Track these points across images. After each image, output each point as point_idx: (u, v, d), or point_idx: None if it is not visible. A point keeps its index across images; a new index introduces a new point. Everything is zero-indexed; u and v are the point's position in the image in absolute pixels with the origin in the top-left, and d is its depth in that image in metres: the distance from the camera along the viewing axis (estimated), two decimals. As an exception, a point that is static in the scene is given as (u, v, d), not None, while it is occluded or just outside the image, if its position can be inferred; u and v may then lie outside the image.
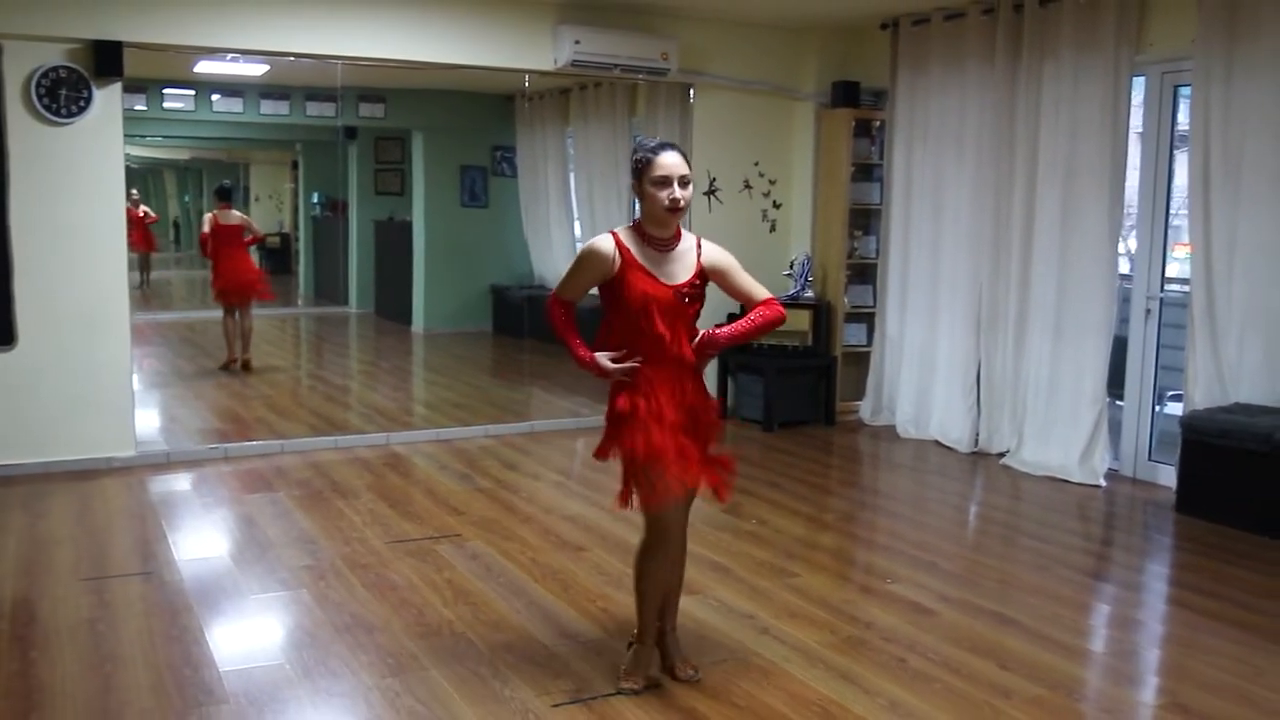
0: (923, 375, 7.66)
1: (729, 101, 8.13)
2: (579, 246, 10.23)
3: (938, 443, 7.48)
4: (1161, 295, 6.55)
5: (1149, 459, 6.60)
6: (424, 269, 10.43)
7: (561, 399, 8.89)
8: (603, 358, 3.55)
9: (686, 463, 3.54)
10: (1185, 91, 6.30)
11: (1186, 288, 6.29)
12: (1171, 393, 6.74)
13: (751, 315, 3.67)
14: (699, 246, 3.60)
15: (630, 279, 3.47)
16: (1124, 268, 6.79)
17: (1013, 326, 7.00)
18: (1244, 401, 5.90)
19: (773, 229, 8.43)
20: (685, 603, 4.44)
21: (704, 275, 3.58)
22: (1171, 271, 6.69)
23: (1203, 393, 6.02)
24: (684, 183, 3.44)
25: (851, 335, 8.27)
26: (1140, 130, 6.63)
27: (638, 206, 3.55)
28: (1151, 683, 4.00)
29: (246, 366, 9.30)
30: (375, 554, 5.01)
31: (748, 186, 8.29)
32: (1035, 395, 6.85)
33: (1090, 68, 6.48)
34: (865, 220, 8.27)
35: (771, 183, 8.37)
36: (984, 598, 4.66)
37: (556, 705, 3.53)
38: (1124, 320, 6.68)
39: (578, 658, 3.92)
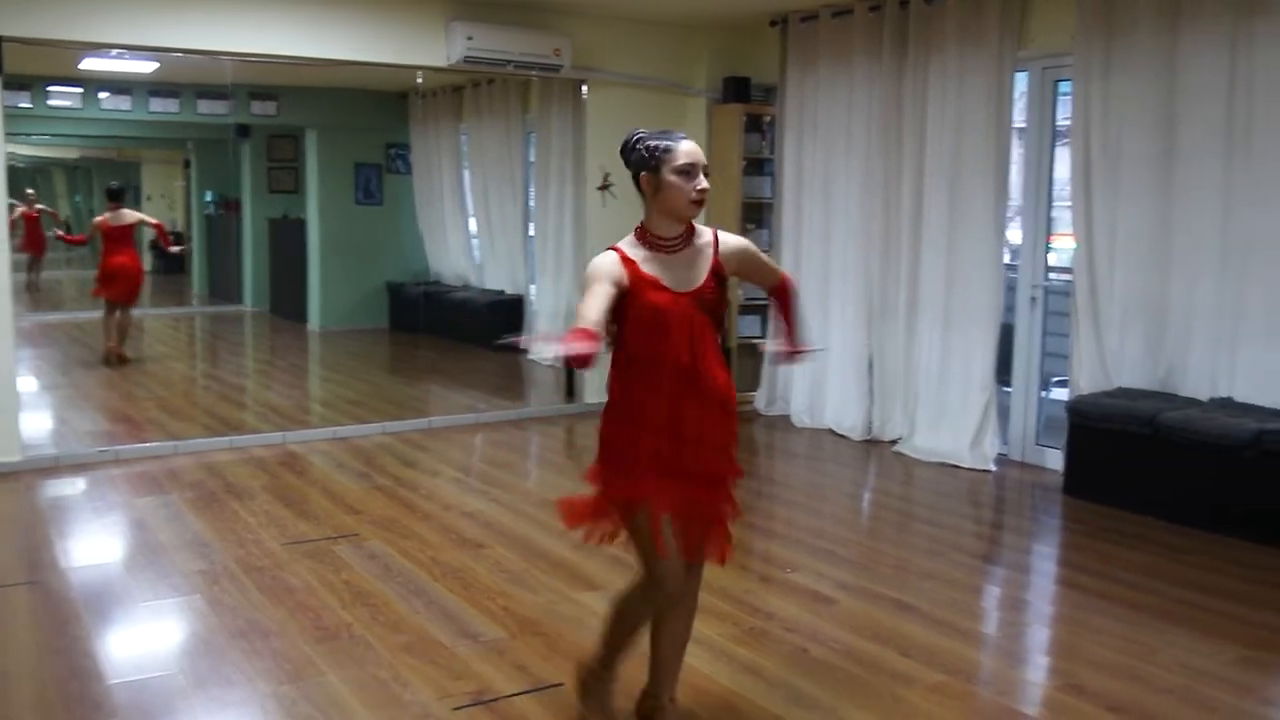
0: (816, 365, 7.75)
1: (622, 98, 8.14)
2: (475, 243, 10.38)
3: (832, 432, 7.59)
4: (1046, 284, 6.73)
5: (1037, 443, 6.78)
6: (319, 267, 10.28)
7: (459, 394, 8.85)
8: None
9: (691, 515, 3.16)
10: (1066, 86, 6.46)
11: (1069, 276, 6.47)
12: (1057, 378, 6.93)
13: (788, 302, 3.38)
14: (716, 240, 3.20)
15: (638, 292, 3.06)
16: (1010, 258, 6.95)
17: (903, 316, 7.13)
18: (1126, 386, 6.09)
19: (667, 223, 8.46)
20: (588, 598, 4.48)
21: (721, 272, 3.17)
22: (1055, 261, 6.87)
23: (1087, 378, 6.20)
24: (707, 172, 3.11)
25: (746, 327, 8.34)
26: (1023, 124, 6.80)
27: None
28: (1046, 664, 4.11)
29: (123, 359, 9.10)
30: (271, 556, 4.92)
31: (641, 181, 8.31)
32: (926, 383, 6.99)
33: (974, 63, 6.62)
34: (758, 213, 8.35)
35: (666, 177, 8.40)
36: (882, 585, 4.74)
37: (458, 708, 3.50)
38: (1010, 309, 6.85)
39: (479, 658, 3.90)
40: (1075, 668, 3.94)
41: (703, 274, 3.13)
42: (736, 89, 8.14)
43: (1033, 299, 6.71)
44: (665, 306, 3.06)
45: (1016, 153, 6.75)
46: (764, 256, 3.39)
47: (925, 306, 6.98)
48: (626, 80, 8.10)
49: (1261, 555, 5.08)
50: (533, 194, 9.60)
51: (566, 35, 7.60)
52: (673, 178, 3.06)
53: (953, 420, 6.82)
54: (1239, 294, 5.62)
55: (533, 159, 9.55)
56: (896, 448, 7.10)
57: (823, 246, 7.70)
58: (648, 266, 3.09)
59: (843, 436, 7.48)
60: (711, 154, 8.26)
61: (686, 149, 3.08)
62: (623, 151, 3.19)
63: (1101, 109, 6.06)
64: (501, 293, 9.87)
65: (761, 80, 8.20)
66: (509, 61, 7.46)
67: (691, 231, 3.17)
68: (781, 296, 3.38)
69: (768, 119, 8.24)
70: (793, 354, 3.45)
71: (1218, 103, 5.61)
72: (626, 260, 3.09)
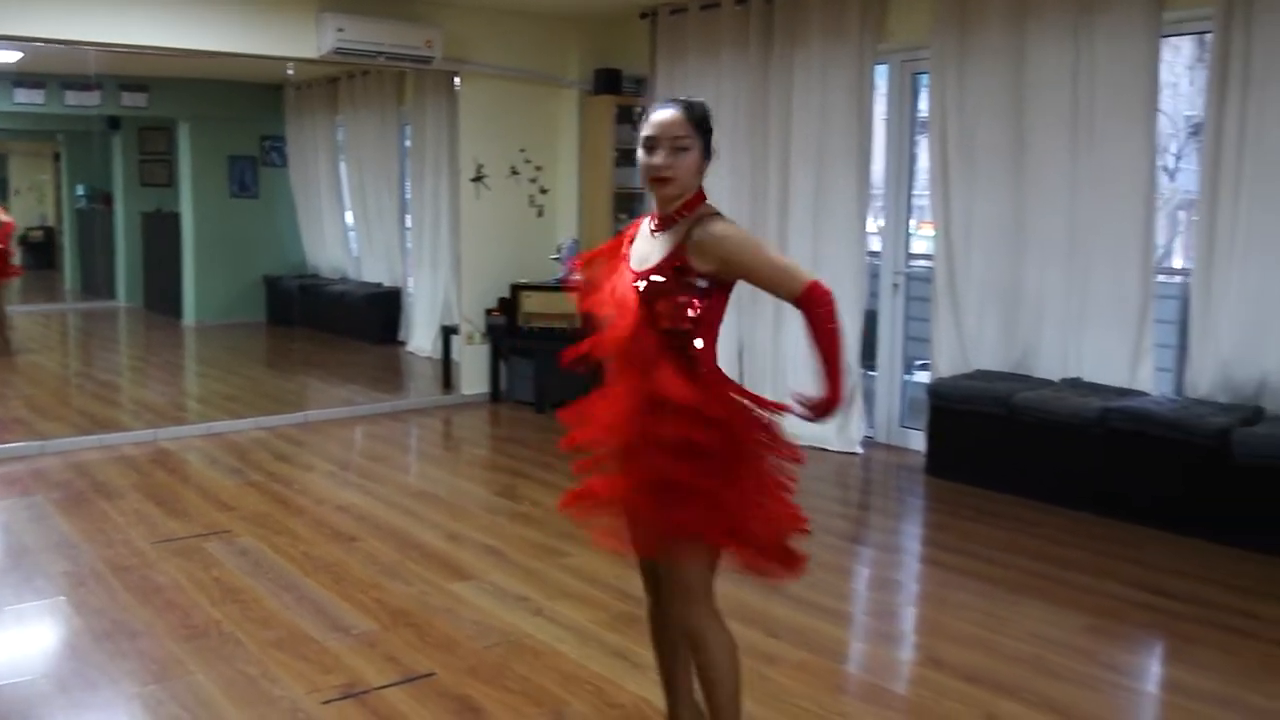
0: (690, 353, 7.89)
1: (494, 89, 8.15)
2: (352, 236, 10.28)
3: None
4: (907, 271, 6.95)
5: (901, 425, 7.01)
6: (194, 261, 10.08)
7: (336, 388, 8.79)
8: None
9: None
10: (925, 79, 6.68)
11: (930, 263, 6.69)
12: (919, 362, 7.16)
13: (813, 325, 2.71)
14: (703, 224, 2.70)
15: (615, 264, 2.83)
16: (874, 245, 7.15)
17: (771, 303, 7.28)
18: (984, 368, 6.32)
19: (540, 214, 8.52)
20: (460, 588, 4.53)
21: (683, 261, 2.68)
22: (916, 248, 7.09)
23: (947, 361, 6.43)
24: (677, 147, 2.66)
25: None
26: (885, 116, 7.00)
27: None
28: (908, 640, 4.27)
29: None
30: (139, 555, 4.87)
31: (515, 173, 8.34)
32: (794, 369, 7.15)
33: (837, 56, 6.80)
34: (630, 204, 8.42)
35: (538, 169, 8.45)
36: (748, 567, 4.87)
37: (327, 701, 3.52)
38: (874, 295, 7.06)
39: (350, 651, 3.92)
40: (934, 642, 4.11)
41: (659, 256, 2.73)
42: (608, 80, 8.21)
43: (895, 285, 6.93)
44: (614, 282, 2.78)
45: (881, 143, 6.95)
46: (766, 256, 2.74)
47: (793, 294, 7.14)
48: (498, 72, 8.12)
49: (1108, 529, 5.34)
50: (409, 186, 9.57)
51: (438, 27, 7.59)
52: (639, 152, 2.73)
53: (822, 404, 6.98)
54: (1085, 278, 5.89)
55: (409, 150, 9.52)
56: (769, 432, 7.25)
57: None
58: (639, 239, 2.81)
59: (717, 422, 7.61)
60: (583, 145, 8.35)
61: (653, 118, 2.69)
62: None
63: (957, 101, 6.28)
64: (379, 285, 9.82)
65: (633, 72, 8.29)
66: (380, 53, 7.43)
67: (685, 211, 2.73)
68: (806, 315, 2.71)
69: (639, 110, 8.30)
70: (821, 407, 2.74)
71: (1063, 94, 5.86)
72: (633, 228, 2.86)
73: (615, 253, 2.85)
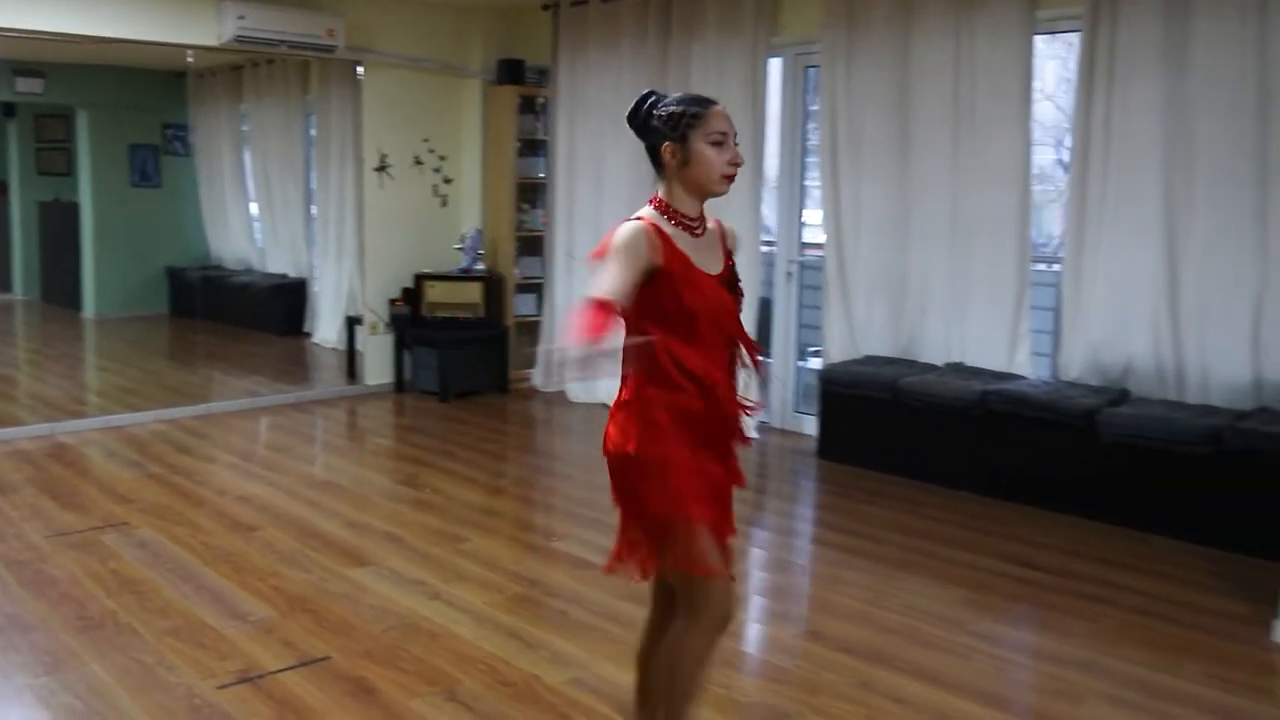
0: (588, 342, 8.01)
1: (398, 79, 8.19)
2: (256, 227, 10.25)
3: (605, 406, 7.80)
4: (800, 259, 7.15)
5: (795, 411, 7.21)
6: (93, 252, 9.96)
7: (240, 380, 8.76)
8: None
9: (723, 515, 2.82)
10: (816, 73, 6.86)
11: (821, 252, 6.88)
12: (812, 349, 7.36)
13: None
14: (720, 226, 2.85)
15: (677, 273, 2.64)
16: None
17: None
18: (873, 354, 6.54)
19: (444, 204, 8.57)
20: (359, 574, 4.62)
21: (732, 260, 2.84)
22: (809, 237, 7.29)
23: (838, 348, 6.63)
24: (737, 141, 2.74)
25: (523, 305, 8.53)
26: (779, 108, 7.18)
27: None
28: (794, 616, 4.44)
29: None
30: (33, 549, 4.86)
31: (418, 163, 8.38)
32: (693, 357, 7.31)
33: (732, 49, 6.96)
34: (533, 194, 8.53)
35: (442, 159, 8.50)
36: (641, 548, 5.01)
37: (223, 686, 3.59)
38: (769, 283, 7.24)
39: (247, 638, 3.98)
40: (819, 617, 4.30)
41: (719, 260, 2.78)
42: (511, 71, 8.29)
43: (789, 274, 7.13)
44: (705, 289, 2.69)
45: (776, 134, 7.13)
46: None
47: (691, 283, 7.30)
48: (401, 61, 8.15)
49: (987, 507, 5.58)
50: (314, 176, 9.55)
51: (340, 15, 7.60)
52: (704, 148, 2.67)
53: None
54: (966, 266, 6.12)
55: (314, 140, 9.50)
56: (667, 418, 7.40)
57: (594, 225, 7.94)
58: (680, 244, 2.69)
59: (617, 409, 7.75)
60: (486, 135, 8.42)
61: (720, 115, 2.69)
62: (634, 117, 2.77)
63: (845, 94, 6.47)
64: (285, 276, 9.79)
65: (535, 62, 8.37)
66: (282, 41, 7.43)
67: (702, 214, 2.78)
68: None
69: (541, 101, 8.42)
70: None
71: (945, 88, 6.08)
72: (660, 233, 2.67)
73: (673, 251, 2.67)
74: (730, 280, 2.76)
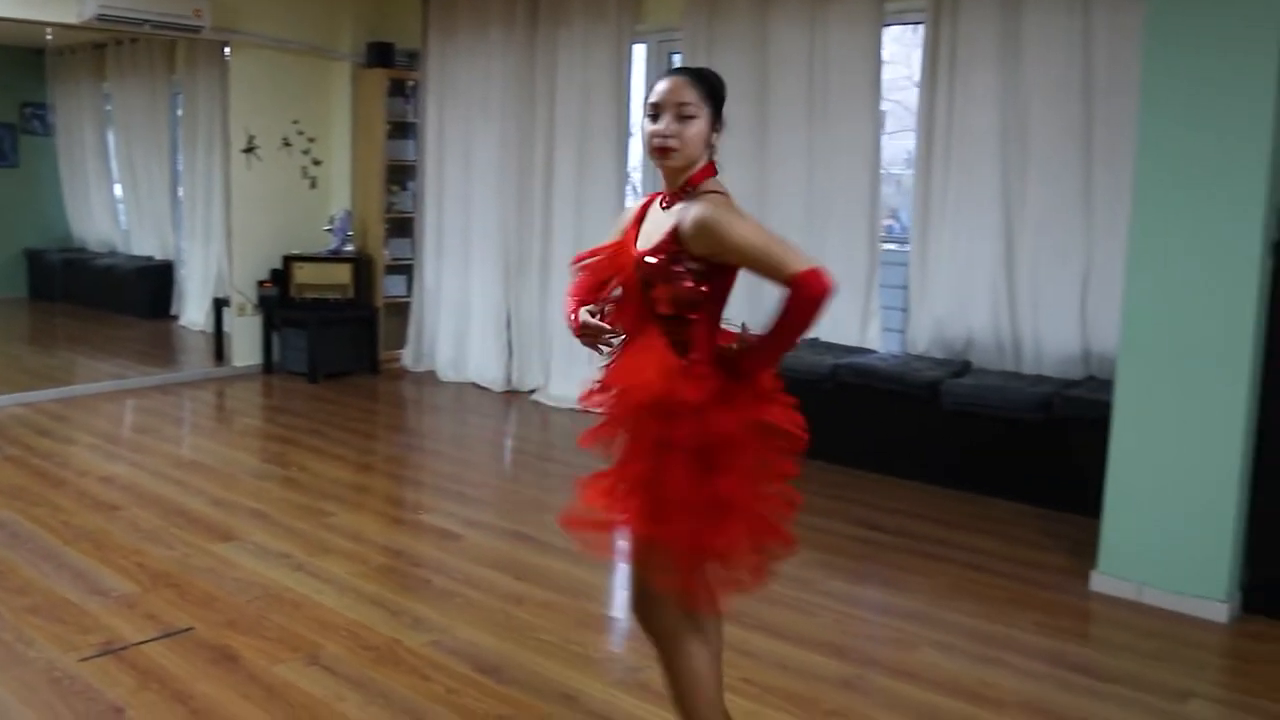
0: (459, 322, 8.12)
1: (266, 60, 8.14)
2: (121, 208, 10.06)
3: (475, 385, 7.96)
4: (665, 241, 7.33)
5: (661, 387, 7.39)
6: (-54, 234, 9.69)
7: (103, 363, 8.62)
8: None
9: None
10: (679, 60, 7.04)
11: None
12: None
13: (786, 309, 2.42)
14: (697, 202, 2.49)
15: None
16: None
17: (537, 272, 7.58)
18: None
19: (313, 185, 8.55)
20: (223, 549, 4.66)
21: (677, 242, 2.48)
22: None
23: (700, 326, 6.83)
24: (683, 115, 2.48)
25: (392, 287, 8.57)
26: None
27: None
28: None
29: None
30: (-114, 534, 4.81)
31: (287, 144, 8.35)
32: (558, 335, 7.46)
33: (598, 36, 7.10)
34: (402, 176, 8.57)
35: (311, 140, 8.48)
36: (506, 520, 5.16)
37: (85, 659, 3.61)
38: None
39: (109, 612, 4.00)
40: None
41: (657, 238, 2.53)
42: (380, 54, 8.30)
43: (654, 254, 7.31)
44: (619, 259, 2.60)
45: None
46: (753, 238, 2.44)
47: (556, 263, 7.45)
48: (269, 43, 8.10)
49: (839, 475, 5.83)
50: (181, 157, 9.42)
51: (207, -4, 7.54)
52: (645, 121, 2.55)
53: (582, 369, 7.31)
54: (821, 246, 6.36)
55: (181, 120, 9.36)
56: (534, 397, 7.55)
57: (464, 207, 8.03)
58: (646, 222, 2.61)
59: (485, 389, 7.86)
60: (356, 118, 8.42)
61: (660, 86, 2.52)
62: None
63: (706, 80, 6.66)
64: (150, 259, 9.63)
65: (406, 46, 8.40)
66: (146, 20, 7.33)
67: (690, 186, 2.54)
68: (789, 297, 2.41)
69: (411, 84, 8.45)
70: (740, 366, 2.54)
71: (800, 76, 6.30)
72: (645, 205, 2.66)
73: (630, 229, 2.62)
74: (646, 268, 2.51)
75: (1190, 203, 4.00)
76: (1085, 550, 4.48)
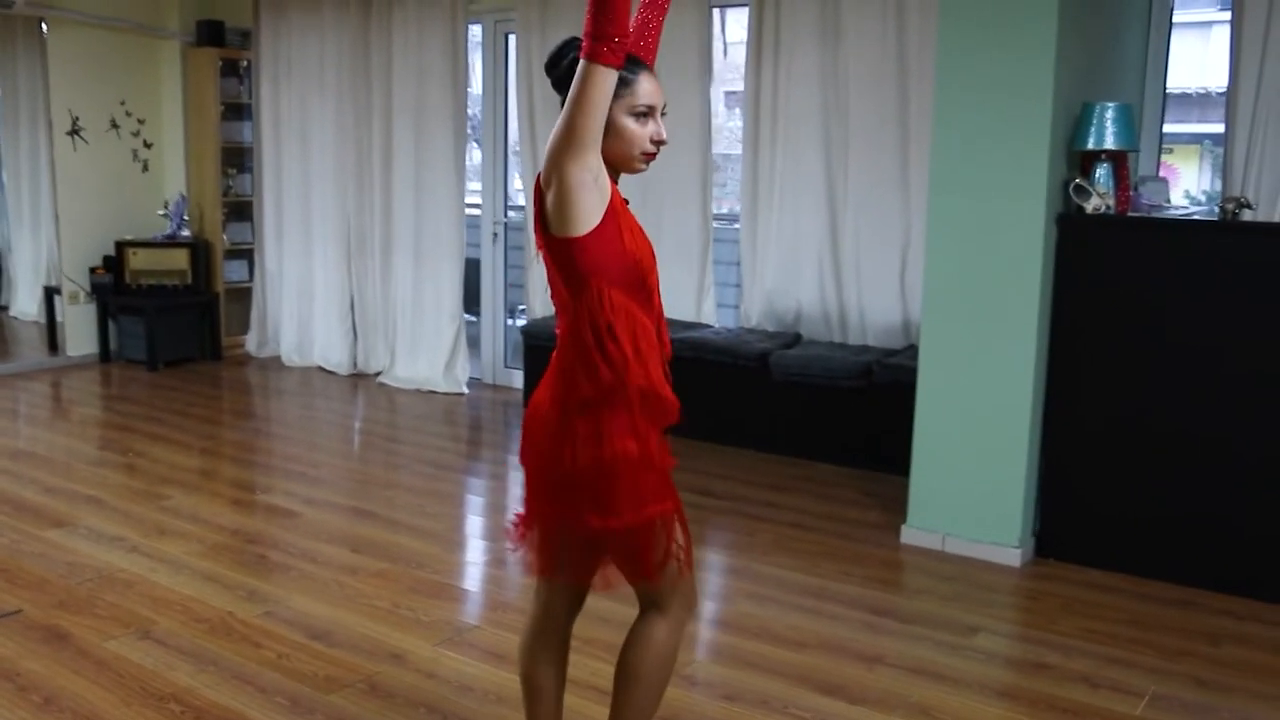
0: (302, 306, 8.10)
1: (89, 38, 7.94)
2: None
3: (321, 368, 7.96)
4: (506, 220, 7.45)
5: (505, 366, 7.53)
6: None
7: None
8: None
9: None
10: (514, 40, 7.15)
11: (523, 214, 7.20)
12: (520, 307, 7.67)
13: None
14: None
15: (626, 224, 2.34)
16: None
17: (379, 254, 7.61)
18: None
19: (145, 169, 8.39)
20: (53, 535, 4.63)
21: None
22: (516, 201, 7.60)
23: (540, 304, 6.97)
24: (664, 112, 2.39)
25: (233, 272, 8.48)
26: (481, 73, 7.43)
27: None
28: (484, 547, 4.76)
29: None
30: None
31: (115, 126, 8.17)
32: (403, 316, 7.52)
33: (432, 16, 7.15)
34: (239, 158, 8.47)
35: (140, 122, 8.32)
36: (344, 497, 5.22)
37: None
38: (476, 246, 7.51)
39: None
40: (503, 546, 4.60)
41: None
42: (211, 32, 8.18)
43: (495, 235, 7.42)
44: (648, 250, 2.40)
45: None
46: None
47: (398, 244, 7.50)
48: (90, 20, 7.89)
49: (676, 445, 5.98)
50: (3, 140, 9.14)
51: (21, -29, 7.35)
52: (628, 121, 2.30)
53: (428, 350, 7.41)
54: (658, 225, 6.53)
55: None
56: (380, 379, 7.59)
57: (303, 189, 8.00)
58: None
59: (331, 372, 7.87)
60: (187, 99, 8.30)
61: (646, 86, 2.31)
62: (553, 68, 2.41)
63: (539, 59, 6.78)
64: (-22, 247, 9.35)
65: (237, 25, 8.29)
66: (-56, -6, 7.12)
67: None
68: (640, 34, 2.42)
69: (245, 63, 8.36)
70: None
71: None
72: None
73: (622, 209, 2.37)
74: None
75: (980, 179, 4.29)
76: (899, 507, 4.76)
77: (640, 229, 2.38)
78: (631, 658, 2.51)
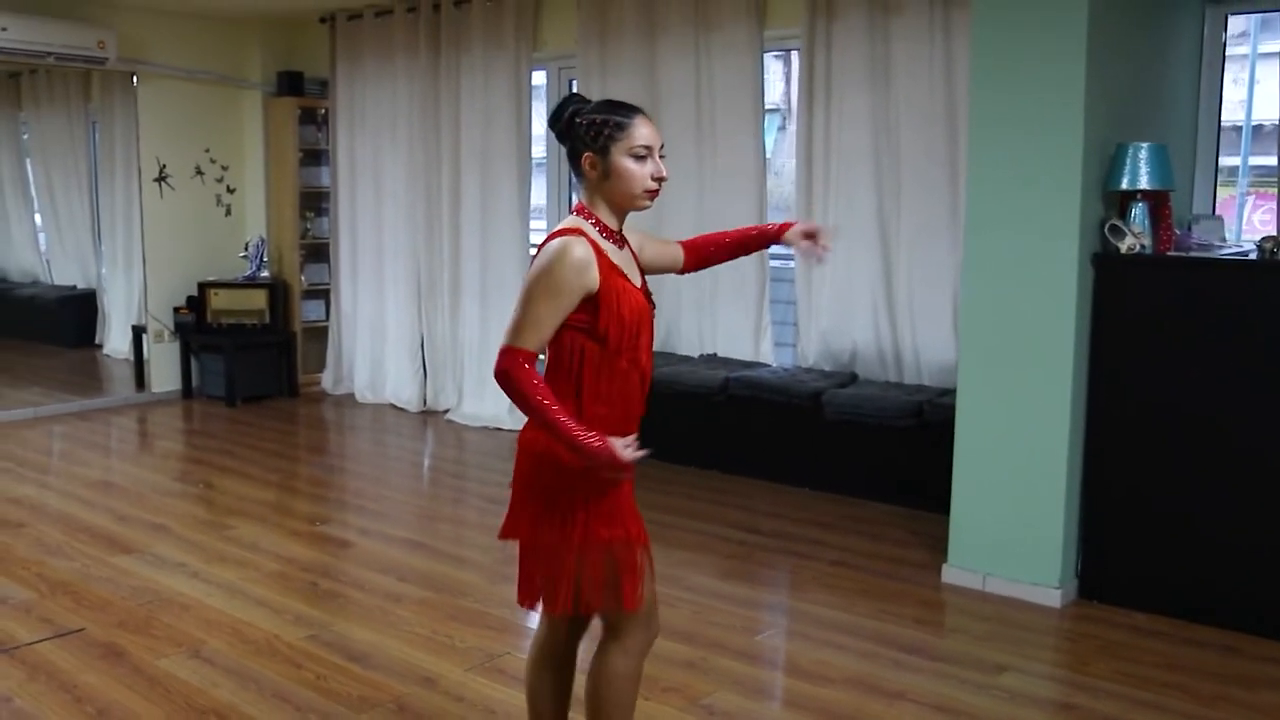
0: (375, 344, 8.33)
1: (175, 90, 8.32)
2: (42, 238, 10.20)
3: (393, 405, 8.16)
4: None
5: (567, 404, 7.64)
6: None
7: (20, 391, 8.69)
8: (617, 444, 2.47)
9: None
10: (576, 84, 7.32)
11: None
12: (582, 346, 7.78)
13: (731, 235, 3.06)
14: (634, 240, 2.71)
15: (619, 288, 2.49)
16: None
17: (447, 295, 7.81)
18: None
19: (228, 213, 8.74)
20: (120, 560, 4.84)
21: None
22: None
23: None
24: (663, 153, 2.59)
25: (310, 311, 8.75)
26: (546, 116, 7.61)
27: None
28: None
29: None
30: None
31: (200, 173, 8.53)
32: (470, 355, 7.69)
33: (497, 62, 7.37)
34: (316, 202, 8.75)
35: (224, 169, 8.66)
36: (401, 529, 5.37)
37: (-24, 659, 3.82)
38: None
39: (4, 617, 4.18)
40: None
41: (638, 272, 2.67)
42: (290, 83, 8.51)
43: (558, 275, 7.56)
44: (640, 305, 2.55)
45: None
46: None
47: (465, 285, 7.68)
48: (177, 73, 8.28)
49: (728, 483, 6.09)
50: (100, 185, 9.56)
51: (110, 28, 7.69)
52: (627, 162, 2.49)
53: (494, 388, 7.47)
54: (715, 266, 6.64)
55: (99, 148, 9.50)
56: (448, 416, 7.76)
57: (375, 232, 8.25)
58: (614, 259, 2.54)
59: (402, 409, 8.06)
60: (268, 146, 8.63)
61: (644, 129, 2.51)
62: (555, 122, 2.59)
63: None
64: (73, 288, 9.76)
65: (315, 74, 8.61)
66: (49, 53, 7.48)
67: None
68: (710, 244, 3.03)
69: (322, 112, 8.66)
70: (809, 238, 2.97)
71: (688, 101, 6.58)
72: (596, 248, 2.47)
73: (608, 266, 2.50)
74: (648, 292, 2.63)
75: (1014, 219, 4.31)
76: (944, 547, 4.76)
77: (634, 289, 2.56)
78: (591, 689, 2.68)
